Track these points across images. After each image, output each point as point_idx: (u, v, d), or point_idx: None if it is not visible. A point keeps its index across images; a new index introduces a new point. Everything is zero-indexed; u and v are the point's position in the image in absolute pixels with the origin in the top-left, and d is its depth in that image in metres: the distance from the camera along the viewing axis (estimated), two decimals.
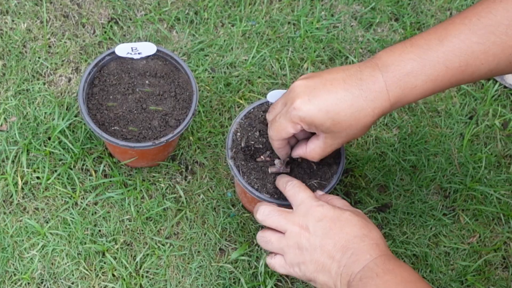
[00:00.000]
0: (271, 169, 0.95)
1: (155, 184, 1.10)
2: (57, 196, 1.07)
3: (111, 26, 1.22)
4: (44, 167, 1.08)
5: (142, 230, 1.07)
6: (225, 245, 1.07)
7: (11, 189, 1.07)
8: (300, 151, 0.87)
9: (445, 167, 1.16)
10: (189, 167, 1.12)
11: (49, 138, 1.11)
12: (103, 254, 1.04)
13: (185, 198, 1.09)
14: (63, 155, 1.09)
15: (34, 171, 1.08)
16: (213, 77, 1.20)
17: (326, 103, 0.78)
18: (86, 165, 1.10)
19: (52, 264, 1.03)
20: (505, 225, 1.13)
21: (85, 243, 1.04)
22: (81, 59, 1.19)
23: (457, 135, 1.19)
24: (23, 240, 1.04)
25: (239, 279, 1.04)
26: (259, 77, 1.21)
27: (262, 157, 0.96)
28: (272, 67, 1.22)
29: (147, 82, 1.02)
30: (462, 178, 1.15)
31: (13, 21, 1.21)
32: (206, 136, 1.15)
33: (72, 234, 1.05)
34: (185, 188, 1.10)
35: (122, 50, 1.01)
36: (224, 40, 1.23)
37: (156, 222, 1.07)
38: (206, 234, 1.07)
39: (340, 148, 0.95)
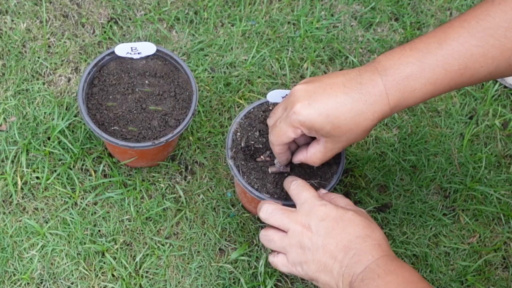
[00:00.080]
0: (271, 169, 0.95)
1: (154, 184, 1.10)
2: (56, 196, 1.07)
3: (110, 26, 1.22)
4: (44, 167, 1.08)
5: (141, 230, 1.07)
6: (225, 245, 1.07)
7: (10, 189, 1.06)
8: (301, 156, 0.88)
9: (445, 167, 1.15)
10: (189, 167, 1.12)
11: (49, 138, 1.10)
12: (103, 254, 1.04)
13: (185, 198, 1.09)
14: (63, 155, 1.09)
15: (34, 171, 1.08)
16: (212, 77, 1.20)
17: (326, 107, 0.78)
18: (86, 165, 1.10)
19: (51, 264, 1.03)
20: (505, 225, 1.13)
21: (85, 243, 1.04)
22: (80, 59, 1.19)
23: (457, 135, 1.19)
24: (22, 240, 1.04)
25: (239, 279, 1.04)
26: (259, 77, 1.21)
27: (262, 157, 0.96)
28: (272, 67, 1.22)
29: (146, 82, 1.02)
30: (462, 178, 1.15)
31: (12, 21, 1.21)
32: (206, 136, 1.15)
33: (72, 234, 1.05)
34: (184, 188, 1.10)
35: (122, 50, 1.01)
36: (224, 40, 1.23)
37: (155, 222, 1.07)
38: (206, 234, 1.07)
39: None
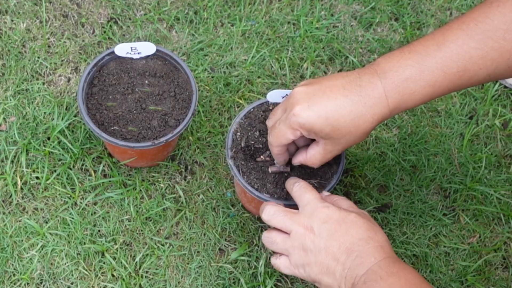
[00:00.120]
0: (271, 169, 0.95)
1: (154, 184, 1.10)
2: (56, 196, 1.07)
3: (110, 26, 1.22)
4: (44, 167, 1.08)
5: (141, 230, 1.06)
6: (224, 245, 1.07)
7: (10, 189, 1.06)
8: (301, 158, 0.88)
9: (445, 167, 1.15)
10: (189, 167, 1.12)
11: (49, 138, 1.10)
12: (103, 254, 1.04)
13: (185, 198, 1.09)
14: (63, 155, 1.09)
15: (34, 171, 1.08)
16: (212, 77, 1.19)
17: (325, 109, 0.78)
18: (86, 165, 1.10)
19: (51, 264, 1.03)
20: (505, 225, 1.13)
21: (85, 243, 1.04)
22: (80, 59, 1.19)
23: (457, 135, 1.19)
24: (22, 240, 1.04)
25: (239, 279, 1.04)
26: (259, 77, 1.21)
27: (262, 157, 0.96)
28: (272, 67, 1.22)
29: (146, 82, 1.02)
30: (462, 178, 1.15)
31: (12, 21, 1.21)
32: (206, 136, 1.15)
33: (72, 234, 1.05)
34: (184, 188, 1.10)
35: (122, 50, 1.01)
36: (224, 40, 1.23)
37: (155, 222, 1.07)
38: (206, 234, 1.07)
39: None
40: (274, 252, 0.87)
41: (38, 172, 1.08)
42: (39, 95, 1.14)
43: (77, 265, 1.03)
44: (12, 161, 1.08)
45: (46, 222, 1.05)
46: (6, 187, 1.07)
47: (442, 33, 0.78)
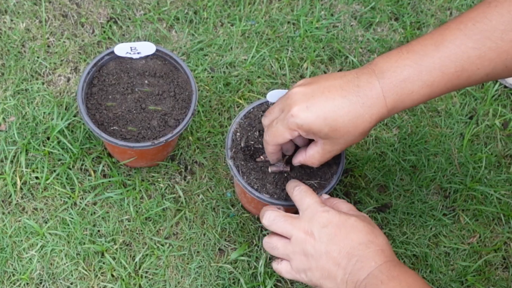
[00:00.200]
0: (271, 168, 0.95)
1: (154, 184, 1.10)
2: (56, 196, 1.07)
3: (110, 25, 1.22)
4: (43, 167, 1.08)
5: (141, 230, 1.06)
6: (224, 245, 1.07)
7: (10, 189, 1.06)
8: (300, 158, 0.88)
9: (445, 167, 1.15)
10: (189, 167, 1.12)
11: (48, 138, 1.10)
12: (102, 254, 1.04)
13: (185, 198, 1.09)
14: (62, 155, 1.09)
15: (33, 171, 1.08)
16: (212, 77, 1.19)
17: (323, 110, 0.78)
18: (85, 165, 1.09)
19: (51, 264, 1.03)
20: (505, 225, 1.12)
21: (84, 243, 1.04)
22: (80, 59, 1.19)
23: (457, 135, 1.19)
24: (22, 240, 1.04)
25: (239, 280, 1.04)
26: (259, 77, 1.20)
27: (261, 157, 0.96)
28: (272, 66, 1.22)
29: (146, 82, 1.02)
30: (462, 178, 1.15)
31: (11, 20, 1.20)
32: (206, 136, 1.14)
33: (71, 234, 1.05)
34: (184, 188, 1.10)
35: (121, 49, 1.01)
36: (224, 40, 1.23)
37: (155, 222, 1.07)
38: (206, 234, 1.07)
39: None
40: (275, 257, 0.87)
41: (37, 172, 1.08)
42: (39, 95, 1.14)
43: (76, 265, 1.03)
44: (11, 161, 1.08)
45: (46, 222, 1.05)
46: (5, 187, 1.07)
47: (440, 33, 0.78)
